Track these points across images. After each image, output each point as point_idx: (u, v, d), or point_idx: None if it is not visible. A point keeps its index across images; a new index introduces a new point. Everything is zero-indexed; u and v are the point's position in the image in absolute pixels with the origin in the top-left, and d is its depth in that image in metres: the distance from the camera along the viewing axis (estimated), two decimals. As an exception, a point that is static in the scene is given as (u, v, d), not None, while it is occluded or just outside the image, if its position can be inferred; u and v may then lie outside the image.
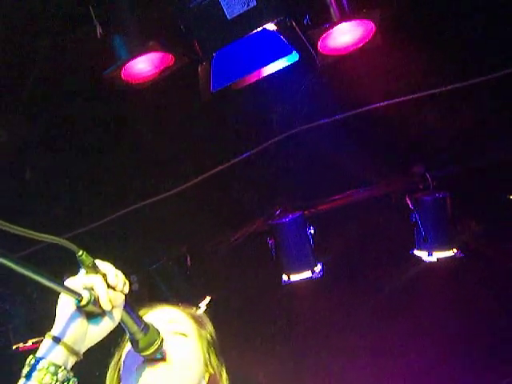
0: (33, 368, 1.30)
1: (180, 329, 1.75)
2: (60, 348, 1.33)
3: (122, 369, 1.71)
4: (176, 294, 4.63)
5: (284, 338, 5.51)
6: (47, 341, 1.34)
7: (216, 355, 1.84)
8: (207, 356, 1.80)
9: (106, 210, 4.18)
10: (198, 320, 1.87)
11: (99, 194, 4.12)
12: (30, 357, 1.33)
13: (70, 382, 1.33)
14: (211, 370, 1.79)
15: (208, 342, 1.83)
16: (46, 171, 3.85)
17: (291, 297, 5.25)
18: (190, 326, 1.80)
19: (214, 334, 1.89)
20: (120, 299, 1.42)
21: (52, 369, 1.30)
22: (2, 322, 4.58)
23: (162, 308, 1.86)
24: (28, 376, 1.29)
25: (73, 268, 1.41)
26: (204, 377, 1.77)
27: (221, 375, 1.83)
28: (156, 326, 1.68)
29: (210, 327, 1.90)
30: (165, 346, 1.61)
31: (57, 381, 1.30)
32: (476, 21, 3.28)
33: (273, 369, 5.44)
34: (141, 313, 1.81)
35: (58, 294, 1.39)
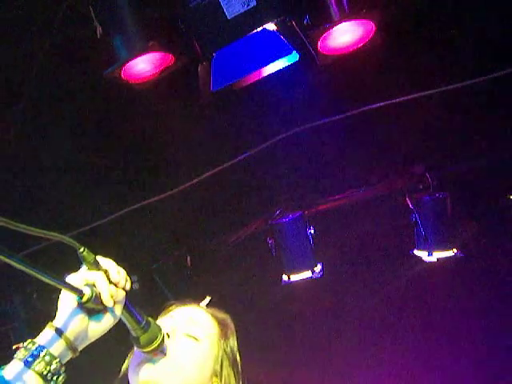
0: (29, 353, 1.29)
1: (194, 331, 1.71)
2: (60, 340, 1.33)
3: (129, 364, 1.71)
4: (176, 293, 4.64)
5: (284, 338, 5.51)
6: (49, 330, 1.34)
7: (231, 369, 1.76)
8: (218, 367, 1.73)
9: (106, 209, 4.17)
10: (223, 329, 1.81)
11: (99, 194, 4.12)
12: (29, 341, 1.32)
13: (60, 377, 1.32)
14: (220, 382, 1.72)
15: (225, 353, 1.77)
16: (45, 171, 3.85)
17: (291, 297, 5.26)
18: (208, 331, 1.75)
19: (234, 348, 1.81)
20: (121, 295, 1.42)
21: (47, 358, 1.30)
22: (2, 322, 4.58)
23: (189, 307, 1.83)
24: (23, 360, 1.29)
25: (75, 267, 1.41)
26: None
27: None
28: (173, 323, 1.70)
29: (232, 340, 1.82)
30: (171, 344, 1.60)
31: (49, 371, 1.29)
32: (476, 20, 3.28)
33: (273, 369, 5.44)
34: (171, 308, 1.82)
35: (58, 294, 1.39)
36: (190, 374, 1.66)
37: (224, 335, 1.80)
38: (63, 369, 1.33)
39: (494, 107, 3.88)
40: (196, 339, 1.71)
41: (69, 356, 1.36)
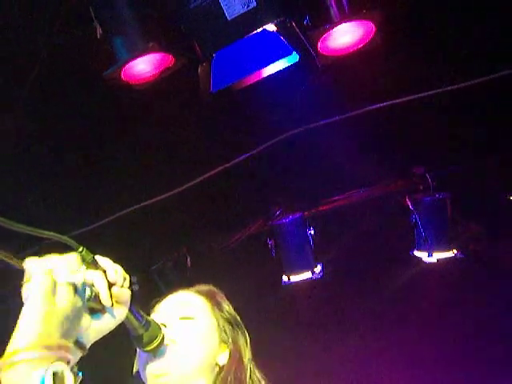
0: None
1: (186, 312, 1.75)
2: None
3: (137, 365, 1.72)
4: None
5: (284, 339, 5.50)
6: None
7: (236, 331, 1.81)
8: (224, 334, 1.78)
9: (106, 210, 4.18)
10: (212, 299, 1.85)
11: (99, 194, 4.12)
12: None
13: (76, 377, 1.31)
14: (231, 347, 1.77)
15: (224, 319, 1.81)
16: (45, 171, 3.85)
17: (291, 297, 5.26)
18: (200, 307, 1.79)
19: (231, 311, 1.85)
20: (127, 295, 1.41)
21: None
22: (2, 322, 4.58)
23: (171, 295, 1.86)
24: None
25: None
26: (220, 354, 1.75)
27: (243, 350, 1.80)
28: (164, 313, 1.73)
29: (225, 305, 1.87)
30: (170, 332, 1.62)
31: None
32: (476, 21, 3.28)
33: (273, 369, 5.43)
34: (155, 306, 1.83)
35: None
36: (199, 352, 1.69)
37: (216, 304, 1.84)
38: (75, 368, 1.32)
39: (494, 107, 3.88)
40: (191, 318, 1.74)
41: (77, 354, 1.34)
